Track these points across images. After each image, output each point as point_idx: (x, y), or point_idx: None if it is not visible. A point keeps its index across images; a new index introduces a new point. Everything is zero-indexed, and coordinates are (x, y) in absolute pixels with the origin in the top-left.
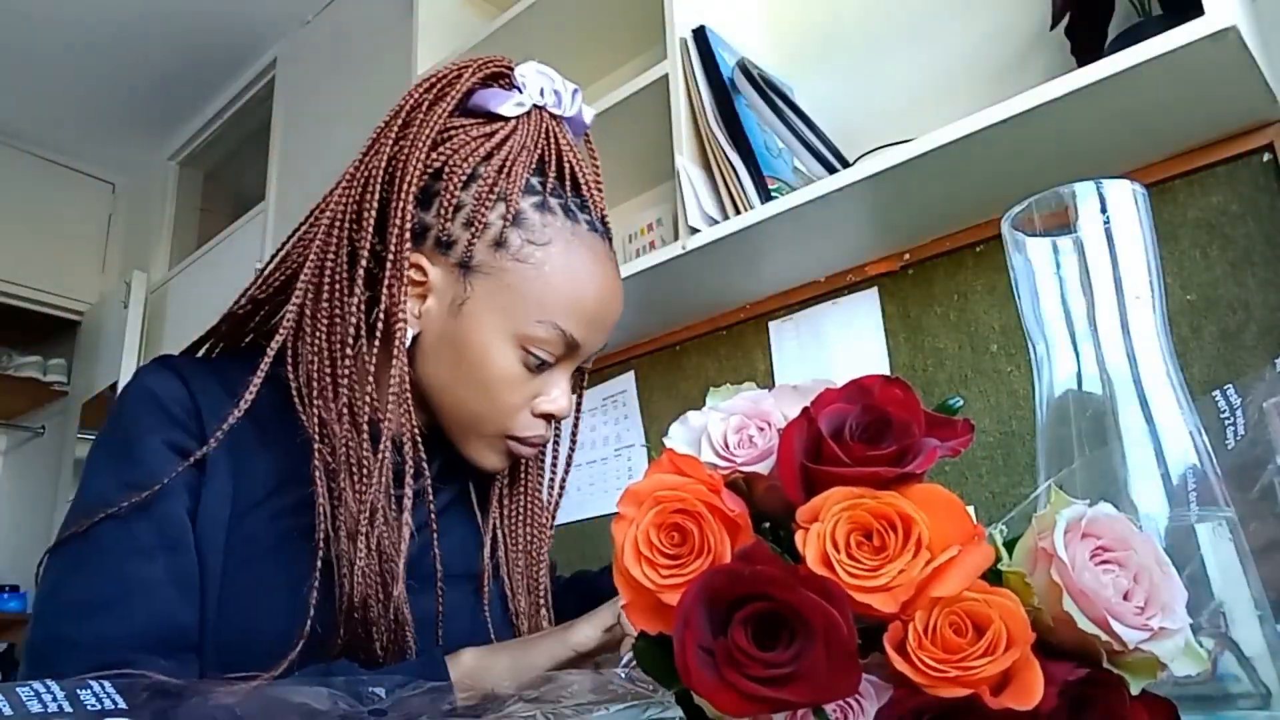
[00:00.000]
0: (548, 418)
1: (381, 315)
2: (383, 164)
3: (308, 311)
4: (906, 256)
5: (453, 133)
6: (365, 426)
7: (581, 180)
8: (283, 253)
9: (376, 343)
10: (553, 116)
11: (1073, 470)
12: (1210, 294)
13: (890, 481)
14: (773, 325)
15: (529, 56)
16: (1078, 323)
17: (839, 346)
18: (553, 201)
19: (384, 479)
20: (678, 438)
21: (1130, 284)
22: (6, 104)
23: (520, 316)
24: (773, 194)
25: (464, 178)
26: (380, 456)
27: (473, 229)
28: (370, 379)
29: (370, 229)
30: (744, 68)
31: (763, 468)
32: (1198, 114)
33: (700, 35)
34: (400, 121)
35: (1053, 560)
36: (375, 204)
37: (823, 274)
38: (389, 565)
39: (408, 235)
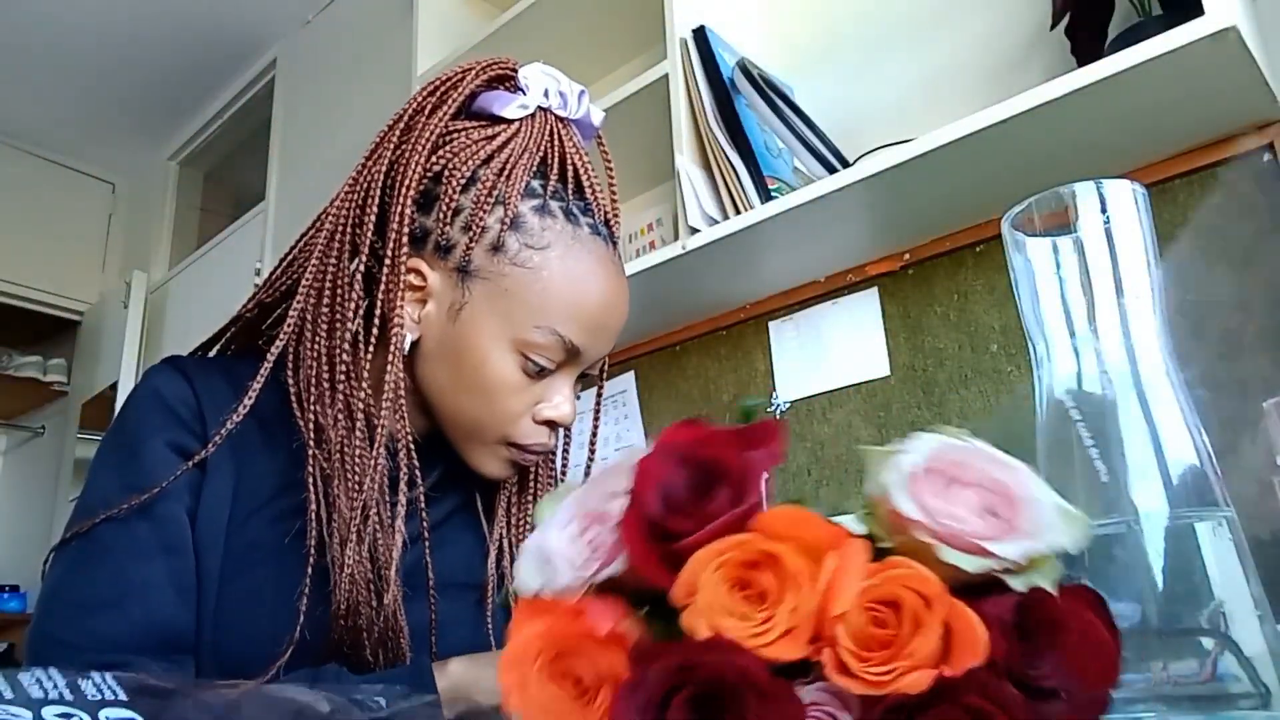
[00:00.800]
0: (550, 425)
1: (378, 320)
2: (384, 169)
3: (309, 316)
4: (906, 256)
5: (453, 136)
6: (361, 431)
7: (586, 183)
8: (289, 258)
9: (373, 346)
10: (558, 119)
11: (1072, 470)
12: (1210, 294)
13: (740, 524)
14: (773, 325)
15: (529, 57)
16: (1078, 323)
17: (839, 346)
18: (553, 204)
19: (378, 484)
20: (527, 571)
21: (1130, 284)
22: (6, 104)
23: (518, 322)
24: (773, 194)
25: (463, 181)
26: (374, 460)
27: (471, 233)
28: (367, 383)
29: (370, 234)
30: (744, 68)
31: (620, 563)
32: (1198, 114)
33: (700, 35)
34: (402, 126)
35: (910, 523)
36: (375, 209)
37: (823, 274)
38: (382, 572)
39: (405, 240)
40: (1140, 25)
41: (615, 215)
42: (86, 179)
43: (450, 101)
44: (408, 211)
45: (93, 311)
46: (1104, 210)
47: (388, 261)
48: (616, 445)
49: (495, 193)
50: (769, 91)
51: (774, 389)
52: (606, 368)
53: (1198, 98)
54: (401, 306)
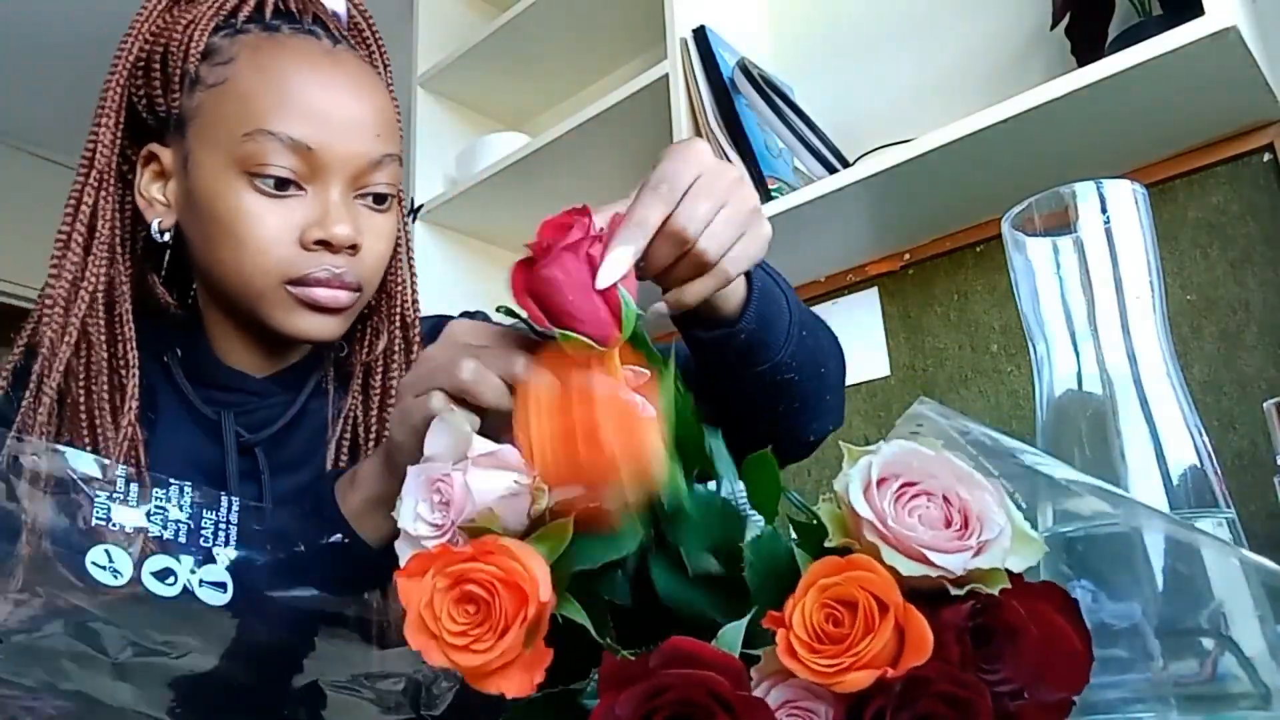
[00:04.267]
0: (326, 247)
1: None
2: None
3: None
4: (906, 256)
5: (156, 29)
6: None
7: (299, 6)
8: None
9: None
10: None
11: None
12: (1210, 294)
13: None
14: None
15: (529, 57)
16: (1078, 323)
17: None
18: (247, 25)
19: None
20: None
21: (1130, 284)
22: (6, 104)
23: (228, 142)
24: (773, 194)
25: (160, 58)
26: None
27: (170, 89)
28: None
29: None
30: (744, 68)
31: (471, 506)
32: (1198, 114)
33: (700, 35)
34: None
35: (862, 521)
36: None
37: (823, 274)
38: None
39: (112, 128)
40: (1140, 25)
41: (368, 19)
42: None
43: (134, 32)
44: (113, 104)
45: None
46: (1104, 210)
47: (101, 156)
48: None
49: (183, 40)
50: (769, 91)
51: None
52: (401, 179)
53: (1198, 98)
54: (138, 195)
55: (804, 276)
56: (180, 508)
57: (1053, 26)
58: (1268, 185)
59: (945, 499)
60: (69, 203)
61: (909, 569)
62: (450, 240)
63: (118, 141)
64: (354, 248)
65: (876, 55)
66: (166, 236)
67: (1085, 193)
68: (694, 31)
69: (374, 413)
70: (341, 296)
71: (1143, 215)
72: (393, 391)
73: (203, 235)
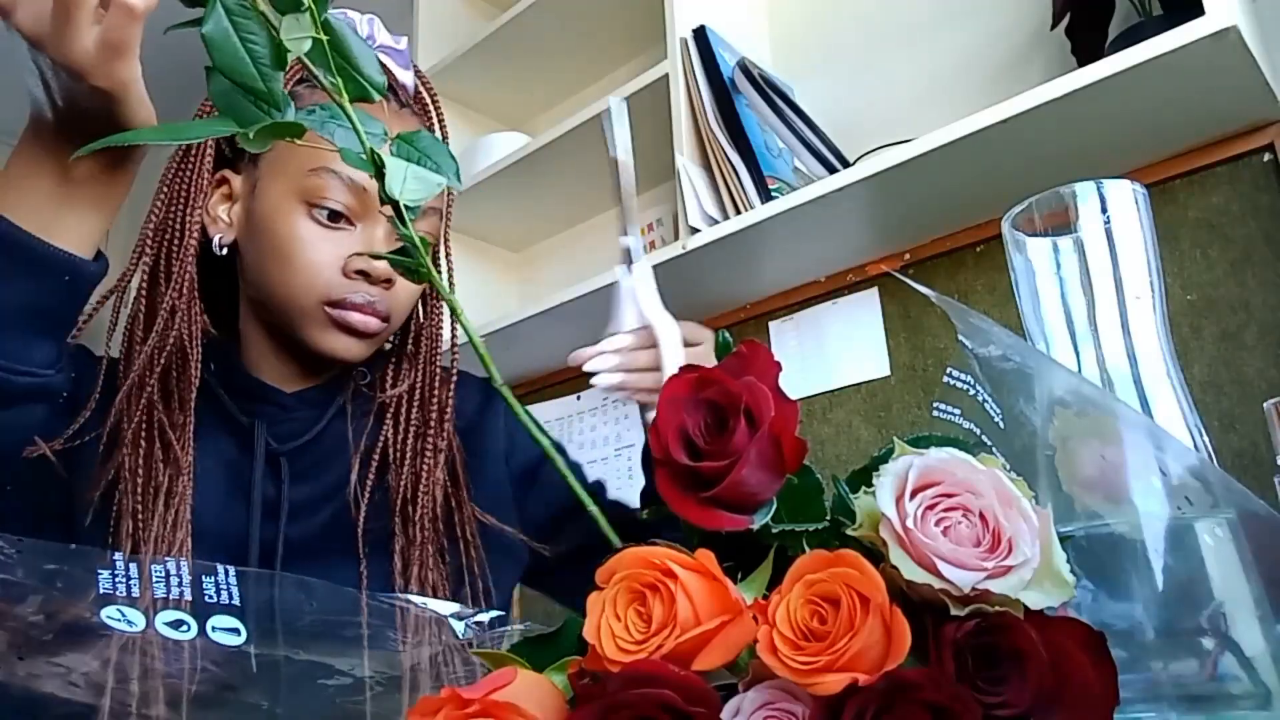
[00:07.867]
0: (365, 277)
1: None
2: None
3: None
4: (906, 256)
5: None
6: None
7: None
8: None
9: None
10: None
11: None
12: (1210, 294)
13: (771, 447)
14: (773, 325)
15: (529, 57)
16: (1078, 323)
17: (839, 346)
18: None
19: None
20: None
21: (1130, 284)
22: (6, 104)
23: (296, 174)
24: (773, 194)
25: None
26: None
27: None
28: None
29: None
30: (744, 68)
31: None
32: (1198, 114)
33: (700, 35)
34: None
35: (881, 516)
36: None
37: (823, 274)
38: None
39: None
40: (1140, 25)
41: (431, 92)
42: None
43: None
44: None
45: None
46: (1104, 210)
47: (196, 189)
48: (617, 445)
49: None
50: (769, 91)
51: None
52: (439, 231)
53: (1198, 98)
54: (203, 209)
55: (804, 276)
56: (179, 576)
57: (1053, 26)
58: (1268, 185)
59: (983, 517)
60: (155, 230)
61: (912, 573)
62: (450, 240)
63: (211, 175)
64: (389, 282)
65: (876, 55)
66: (224, 251)
67: (1085, 193)
68: (694, 31)
69: (407, 441)
70: (371, 323)
71: (1143, 215)
72: (431, 423)
73: (258, 253)
